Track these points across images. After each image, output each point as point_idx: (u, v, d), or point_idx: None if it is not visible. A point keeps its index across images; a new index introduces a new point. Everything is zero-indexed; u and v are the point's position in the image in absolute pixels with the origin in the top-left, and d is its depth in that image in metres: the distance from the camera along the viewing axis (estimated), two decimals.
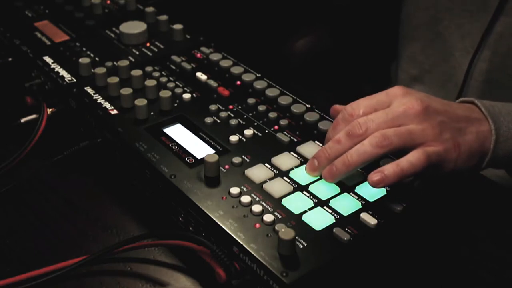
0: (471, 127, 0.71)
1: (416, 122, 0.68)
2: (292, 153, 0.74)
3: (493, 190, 0.80)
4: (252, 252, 0.61)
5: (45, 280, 0.65)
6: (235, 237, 0.62)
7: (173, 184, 0.69)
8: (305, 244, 0.62)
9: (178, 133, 0.77)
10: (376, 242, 0.64)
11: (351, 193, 0.68)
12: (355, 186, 0.69)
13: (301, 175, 0.70)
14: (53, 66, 0.89)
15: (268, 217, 0.64)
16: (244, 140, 0.76)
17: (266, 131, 0.77)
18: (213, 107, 0.81)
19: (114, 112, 0.80)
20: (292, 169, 0.71)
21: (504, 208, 0.77)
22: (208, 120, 0.79)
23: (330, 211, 0.66)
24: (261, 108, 0.81)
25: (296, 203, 0.67)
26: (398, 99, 0.71)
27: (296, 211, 0.66)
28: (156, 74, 0.87)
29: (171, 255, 0.71)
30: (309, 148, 0.74)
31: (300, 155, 0.73)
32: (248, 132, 0.76)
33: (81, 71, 0.87)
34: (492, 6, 0.91)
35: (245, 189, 0.68)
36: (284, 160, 0.73)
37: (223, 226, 0.64)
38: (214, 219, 0.64)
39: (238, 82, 0.86)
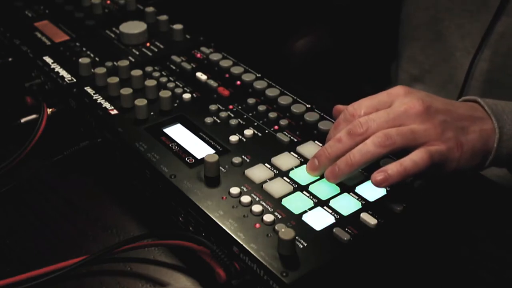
0: (474, 126, 0.71)
1: (418, 121, 0.68)
2: (292, 153, 0.74)
3: (493, 190, 0.80)
4: (252, 252, 0.61)
5: (45, 280, 0.65)
6: (235, 237, 0.62)
7: (173, 184, 0.69)
8: (305, 244, 0.62)
9: (178, 133, 0.77)
10: (376, 242, 0.64)
11: (351, 193, 0.68)
12: (355, 186, 0.69)
13: (301, 175, 0.70)
14: (53, 66, 0.89)
15: (268, 217, 0.64)
16: (244, 140, 0.76)
17: (266, 131, 0.77)
18: (213, 107, 0.81)
19: (114, 112, 0.80)
20: (292, 169, 0.71)
21: (504, 208, 0.77)
22: (208, 120, 0.79)
23: (330, 211, 0.66)
24: (261, 108, 0.81)
25: (296, 203, 0.67)
26: (399, 98, 0.71)
27: (296, 211, 0.66)
28: (156, 74, 0.87)
29: (171, 255, 0.71)
30: (309, 148, 0.74)
31: (300, 155, 0.73)
32: (248, 132, 0.76)
33: (81, 71, 0.87)
34: (493, 6, 0.91)
35: (245, 189, 0.68)
36: (284, 160, 0.73)
37: (223, 226, 0.64)
38: (214, 219, 0.64)
39: (238, 82, 0.86)
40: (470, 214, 0.74)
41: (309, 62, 1.24)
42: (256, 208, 0.65)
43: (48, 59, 0.90)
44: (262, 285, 0.60)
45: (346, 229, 0.63)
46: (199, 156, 0.73)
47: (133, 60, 0.91)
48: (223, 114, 0.80)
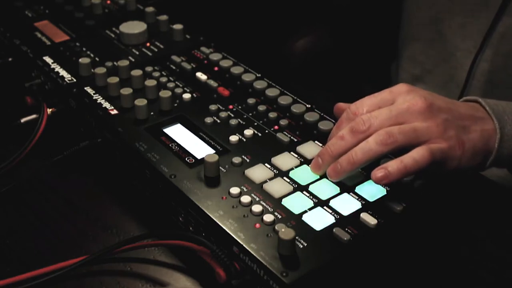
0: (475, 126, 0.71)
1: (420, 119, 0.68)
2: (292, 153, 0.74)
3: (493, 190, 0.80)
4: (252, 252, 0.61)
5: (45, 280, 0.65)
6: (235, 237, 0.62)
7: (173, 184, 0.69)
8: (305, 244, 0.62)
9: (178, 133, 0.77)
10: (376, 242, 0.64)
11: (351, 193, 0.68)
12: (355, 186, 0.69)
13: (301, 175, 0.70)
14: (53, 66, 0.89)
15: (268, 217, 0.64)
16: (244, 140, 0.76)
17: (266, 131, 0.77)
18: (213, 107, 0.81)
19: (114, 112, 0.80)
20: (292, 169, 0.71)
21: (504, 208, 0.77)
22: (208, 120, 0.79)
23: (330, 211, 0.66)
24: (261, 108, 0.81)
25: (296, 203, 0.67)
26: (402, 96, 0.71)
27: (296, 211, 0.66)
28: (156, 74, 0.87)
29: (171, 255, 0.71)
30: (309, 148, 0.74)
31: (300, 155, 0.73)
32: (248, 132, 0.76)
33: (81, 71, 0.87)
34: (494, 6, 0.91)
35: (245, 189, 0.68)
36: (284, 160, 0.73)
37: (223, 226, 0.64)
38: (214, 219, 0.64)
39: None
40: (470, 214, 0.74)
41: (309, 62, 1.24)
42: (256, 208, 0.65)
43: (48, 59, 0.90)
44: (262, 285, 0.60)
45: (346, 229, 0.63)
46: (199, 156, 0.73)
47: (133, 60, 0.91)
48: (223, 114, 0.80)
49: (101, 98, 0.82)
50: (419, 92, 0.71)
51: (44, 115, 0.83)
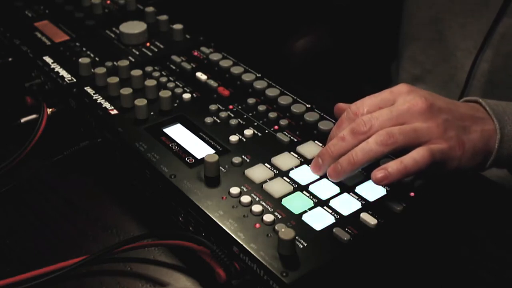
0: (476, 126, 0.71)
1: (420, 120, 0.68)
2: (292, 153, 0.74)
3: (493, 190, 0.80)
4: (252, 252, 0.61)
5: (45, 280, 0.65)
6: (235, 237, 0.62)
7: (173, 184, 0.69)
8: (305, 244, 0.62)
9: (178, 133, 0.77)
10: (376, 242, 0.64)
11: (351, 193, 0.68)
12: (355, 186, 0.69)
13: (301, 175, 0.70)
14: (53, 66, 0.89)
15: (268, 217, 0.64)
16: (244, 140, 0.76)
17: (266, 131, 0.77)
18: (213, 107, 0.81)
19: (114, 112, 0.80)
20: (292, 169, 0.71)
21: (504, 208, 0.77)
22: (208, 120, 0.79)
23: (330, 211, 0.66)
24: (261, 108, 0.81)
25: (296, 203, 0.67)
26: (402, 96, 0.71)
27: (296, 211, 0.66)
28: (156, 74, 0.87)
29: (171, 255, 0.71)
30: (309, 148, 0.74)
31: (300, 155, 0.73)
32: (248, 132, 0.76)
33: (81, 71, 0.87)
34: (495, 7, 0.91)
35: (245, 189, 0.68)
36: (284, 160, 0.73)
37: (223, 226, 0.64)
38: (214, 219, 0.64)
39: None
40: (470, 214, 0.74)
41: (309, 62, 1.24)
42: (256, 208, 0.65)
43: (48, 59, 0.90)
44: (262, 285, 0.60)
45: (346, 229, 0.63)
46: (199, 156, 0.73)
47: (133, 60, 0.91)
48: (223, 114, 0.79)
49: (101, 98, 0.82)
50: (419, 92, 0.71)
51: (44, 115, 0.83)
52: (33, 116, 0.85)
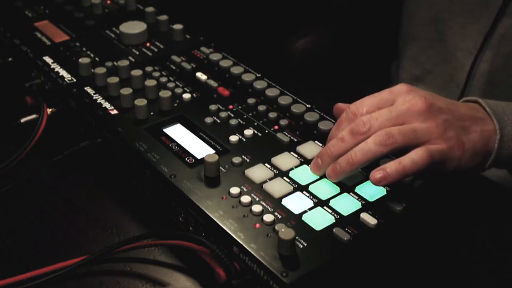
0: (475, 126, 0.71)
1: (420, 120, 0.68)
2: (292, 153, 0.74)
3: (493, 190, 0.80)
4: (252, 252, 0.61)
5: (45, 280, 0.65)
6: (235, 237, 0.62)
7: (173, 184, 0.69)
8: (305, 244, 0.62)
9: (178, 133, 0.77)
10: (376, 242, 0.64)
11: (351, 193, 0.68)
12: (355, 186, 0.69)
13: (301, 175, 0.70)
14: (53, 66, 0.89)
15: (268, 217, 0.64)
16: (244, 140, 0.76)
17: (266, 131, 0.77)
18: (213, 107, 0.81)
19: (114, 112, 0.80)
20: (292, 169, 0.71)
21: (504, 208, 0.77)
22: (208, 120, 0.79)
23: (330, 211, 0.66)
24: (261, 108, 0.81)
25: (296, 203, 0.67)
26: (402, 96, 0.71)
27: (296, 211, 0.66)
28: (156, 74, 0.87)
29: (171, 255, 0.71)
30: (309, 148, 0.74)
31: (300, 155, 0.73)
32: (248, 132, 0.76)
33: (81, 71, 0.87)
34: (495, 7, 0.91)
35: (245, 189, 0.68)
36: (284, 160, 0.73)
37: (223, 226, 0.64)
38: (214, 219, 0.64)
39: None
40: (470, 214, 0.74)
41: (309, 62, 1.24)
42: (256, 208, 0.65)
43: (48, 59, 0.90)
44: (262, 285, 0.60)
45: (346, 229, 0.63)
46: (199, 156, 0.73)
47: (133, 60, 0.91)
48: (223, 114, 0.79)
49: (101, 98, 0.82)
50: (419, 92, 0.71)
51: (44, 115, 0.83)
52: (33, 116, 0.85)
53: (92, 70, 0.87)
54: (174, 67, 0.90)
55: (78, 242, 0.72)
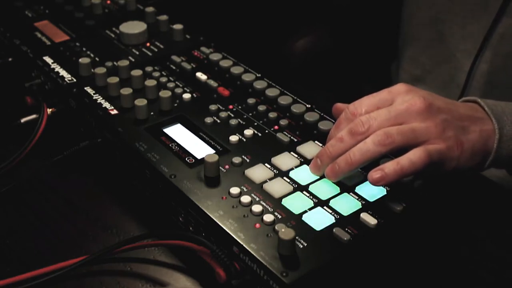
0: (474, 126, 0.71)
1: (419, 120, 0.68)
2: (292, 153, 0.74)
3: (493, 190, 0.80)
4: (252, 252, 0.61)
5: (45, 280, 0.65)
6: (235, 237, 0.62)
7: (173, 184, 0.69)
8: (305, 244, 0.62)
9: (178, 133, 0.77)
10: (376, 242, 0.64)
11: (351, 193, 0.68)
12: (355, 186, 0.69)
13: (301, 175, 0.70)
14: (53, 66, 0.89)
15: (268, 217, 0.64)
16: (244, 140, 0.76)
17: (266, 131, 0.77)
18: (213, 107, 0.81)
19: (114, 112, 0.80)
20: (292, 169, 0.71)
21: (504, 208, 0.77)
22: (208, 120, 0.79)
23: (330, 211, 0.66)
24: (261, 108, 0.81)
25: (296, 203, 0.67)
26: (401, 96, 0.71)
27: (296, 211, 0.66)
28: (156, 74, 0.87)
29: (171, 255, 0.71)
30: (309, 148, 0.74)
31: (300, 155, 0.73)
32: (248, 132, 0.76)
33: (81, 71, 0.87)
34: (494, 7, 0.91)
35: (245, 189, 0.68)
36: (284, 160, 0.73)
37: (223, 226, 0.64)
38: (214, 219, 0.64)
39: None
40: (470, 214, 0.74)
41: (309, 62, 1.24)
42: (256, 208, 0.65)
43: (48, 59, 0.90)
44: (262, 285, 0.60)
45: (346, 229, 0.63)
46: (199, 156, 0.73)
47: (133, 60, 0.91)
48: (223, 114, 0.80)
49: (101, 98, 0.82)
50: (418, 92, 0.71)
51: (44, 115, 0.83)
52: (33, 116, 0.85)
53: (92, 70, 0.87)
54: (174, 67, 0.90)
55: (78, 242, 0.72)
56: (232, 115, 0.80)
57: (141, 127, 0.78)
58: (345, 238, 0.62)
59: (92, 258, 0.66)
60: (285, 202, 0.67)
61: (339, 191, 0.68)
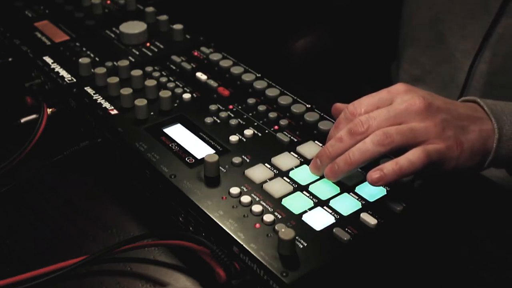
0: (474, 126, 0.70)
1: (418, 119, 0.68)
2: (292, 153, 0.74)
3: (493, 190, 0.80)
4: (252, 252, 0.61)
5: (45, 280, 0.65)
6: (235, 237, 0.62)
7: (173, 184, 0.69)
8: (305, 244, 0.62)
9: (178, 133, 0.77)
10: (376, 242, 0.64)
11: (351, 193, 0.68)
12: (355, 186, 0.69)
13: (301, 175, 0.70)
14: (53, 66, 0.89)
15: (268, 217, 0.64)
16: (244, 140, 0.76)
17: (266, 131, 0.77)
18: (213, 107, 0.81)
19: (114, 112, 0.80)
20: (292, 169, 0.71)
21: (504, 208, 0.77)
22: (208, 120, 0.79)
23: (330, 211, 0.66)
24: (261, 108, 0.81)
25: (296, 203, 0.67)
26: (400, 96, 0.70)
27: (296, 211, 0.66)
28: (156, 74, 0.87)
29: (171, 255, 0.71)
30: (309, 148, 0.74)
31: (300, 155, 0.73)
32: (248, 132, 0.76)
33: (81, 71, 0.87)
34: (494, 7, 0.91)
35: (245, 189, 0.68)
36: (284, 160, 0.73)
37: (223, 226, 0.64)
38: (214, 219, 0.64)
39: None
40: (470, 214, 0.74)
41: (309, 62, 1.24)
42: (256, 208, 0.65)
43: (48, 59, 0.90)
44: (262, 285, 0.60)
45: (346, 229, 0.63)
46: (199, 156, 0.73)
47: (133, 60, 0.91)
48: (223, 114, 0.80)
49: (101, 98, 0.82)
50: (417, 91, 0.71)
51: (44, 115, 0.83)
52: (33, 116, 0.85)
53: (92, 70, 0.87)
54: (174, 67, 0.90)
55: (78, 242, 0.72)
56: (232, 115, 0.80)
57: (141, 127, 0.78)
58: (345, 238, 0.62)
59: (92, 258, 0.66)
60: (285, 202, 0.67)
61: (339, 191, 0.68)
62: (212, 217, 0.65)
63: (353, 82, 1.21)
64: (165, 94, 0.80)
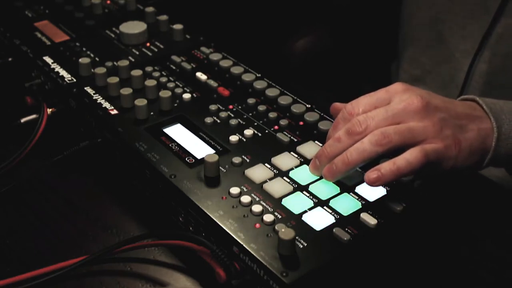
0: (472, 125, 0.70)
1: (416, 119, 0.68)
2: (292, 153, 0.74)
3: (493, 190, 0.80)
4: (252, 252, 0.61)
5: (45, 280, 0.65)
6: (235, 237, 0.62)
7: (173, 184, 0.69)
8: (305, 244, 0.62)
9: (178, 133, 0.77)
10: (376, 242, 0.64)
11: (351, 193, 0.68)
12: (355, 186, 0.69)
13: (301, 175, 0.70)
14: (53, 66, 0.89)
15: (268, 217, 0.64)
16: (244, 140, 0.76)
17: (266, 131, 0.77)
18: (213, 107, 0.81)
19: (114, 112, 0.80)
20: (292, 169, 0.71)
21: (504, 208, 0.77)
22: (208, 120, 0.79)
23: (330, 211, 0.66)
24: (261, 108, 0.81)
25: (296, 203, 0.67)
26: (398, 95, 0.70)
27: (296, 211, 0.66)
28: (156, 74, 0.87)
29: (171, 255, 0.71)
30: (309, 148, 0.74)
31: (300, 155, 0.73)
32: (248, 132, 0.76)
33: (81, 71, 0.87)
34: (493, 7, 0.91)
35: (245, 189, 0.68)
36: (284, 160, 0.73)
37: (223, 226, 0.64)
38: (214, 219, 0.64)
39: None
40: (470, 214, 0.74)
41: (309, 62, 1.24)
42: (256, 208, 0.65)
43: (48, 59, 0.90)
44: (262, 285, 0.61)
45: (346, 229, 0.63)
46: (199, 156, 0.73)
47: (133, 60, 0.91)
48: (223, 114, 0.80)
49: (101, 98, 0.82)
50: (415, 91, 0.71)
51: (44, 115, 0.83)
52: (33, 116, 0.85)
53: (92, 70, 0.87)
54: (174, 67, 0.90)
55: (78, 242, 0.72)
56: (232, 115, 0.80)
57: (141, 127, 0.78)
58: (345, 238, 0.62)
59: (92, 258, 0.66)
60: (285, 202, 0.67)
61: (339, 191, 0.68)
62: (212, 217, 0.65)
63: (353, 82, 1.21)
64: (165, 94, 0.80)
